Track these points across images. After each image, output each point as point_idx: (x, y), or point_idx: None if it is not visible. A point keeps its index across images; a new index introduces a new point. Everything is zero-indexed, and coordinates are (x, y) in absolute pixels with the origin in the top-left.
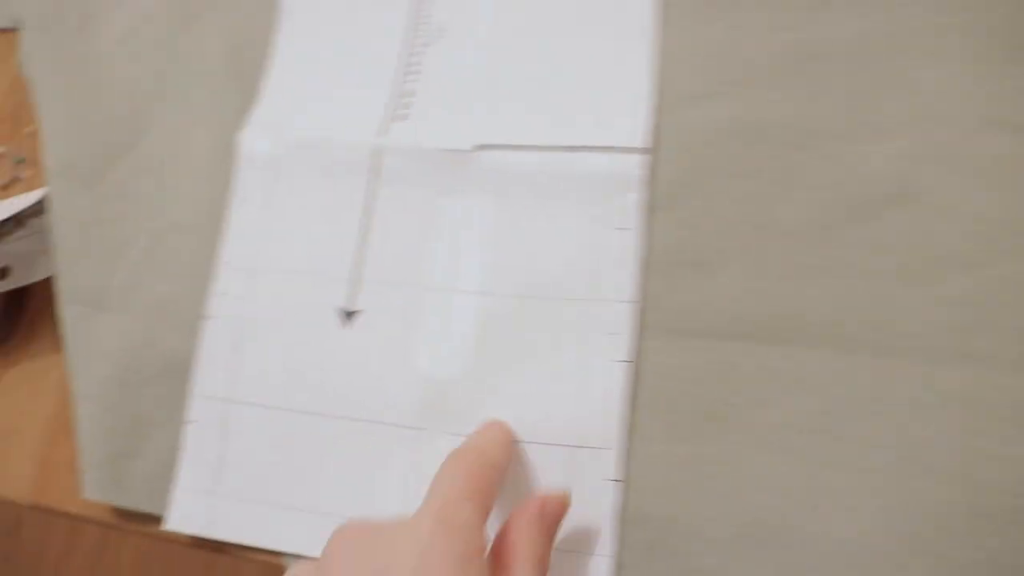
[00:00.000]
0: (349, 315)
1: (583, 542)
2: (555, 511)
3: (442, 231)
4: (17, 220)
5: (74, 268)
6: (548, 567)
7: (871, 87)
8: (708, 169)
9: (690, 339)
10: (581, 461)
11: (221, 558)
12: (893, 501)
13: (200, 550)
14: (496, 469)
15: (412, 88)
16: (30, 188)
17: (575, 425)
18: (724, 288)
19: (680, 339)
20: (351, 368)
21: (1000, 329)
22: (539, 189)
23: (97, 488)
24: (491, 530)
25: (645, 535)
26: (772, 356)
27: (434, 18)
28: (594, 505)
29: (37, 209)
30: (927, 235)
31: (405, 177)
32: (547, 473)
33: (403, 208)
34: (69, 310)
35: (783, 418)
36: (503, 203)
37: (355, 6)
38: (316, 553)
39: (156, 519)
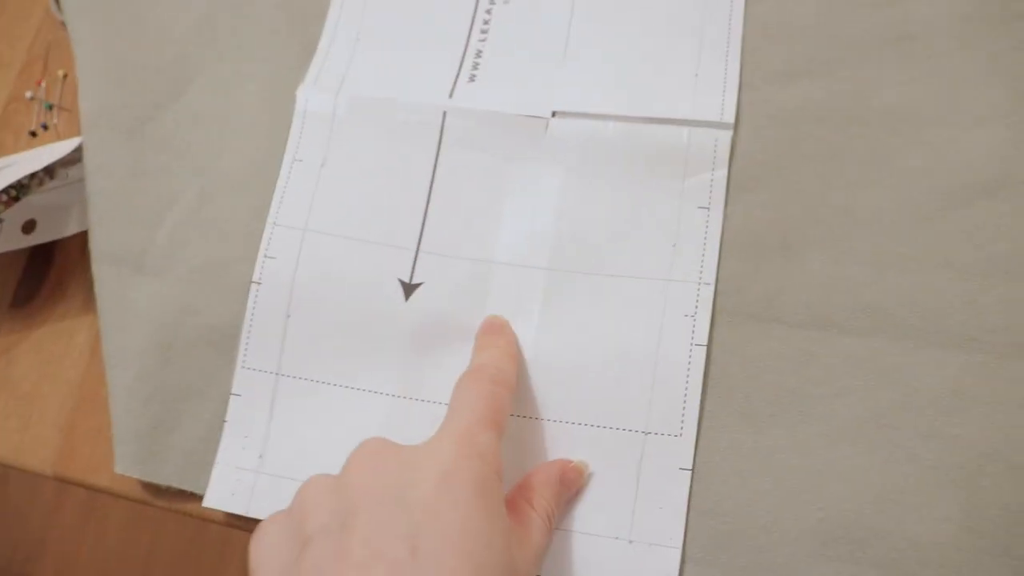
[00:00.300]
0: (410, 287)
1: (652, 532)
2: (573, 479)
3: (512, 201)
4: (47, 170)
5: (110, 225)
6: (554, 527)
7: (971, 71)
8: (794, 150)
9: (769, 325)
10: (652, 448)
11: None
12: (973, 500)
13: (214, 524)
14: (509, 390)
15: (483, 48)
16: (61, 136)
17: (646, 410)
18: (806, 275)
19: (758, 325)
20: (409, 343)
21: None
22: (616, 161)
23: (130, 462)
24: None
25: (715, 527)
26: (854, 346)
27: None
28: (664, 495)
29: (70, 159)
30: (1022, 226)
31: (475, 142)
32: (615, 458)
33: (470, 175)
34: (103, 270)
35: (863, 410)
36: (577, 174)
37: None
38: None
39: (191, 496)
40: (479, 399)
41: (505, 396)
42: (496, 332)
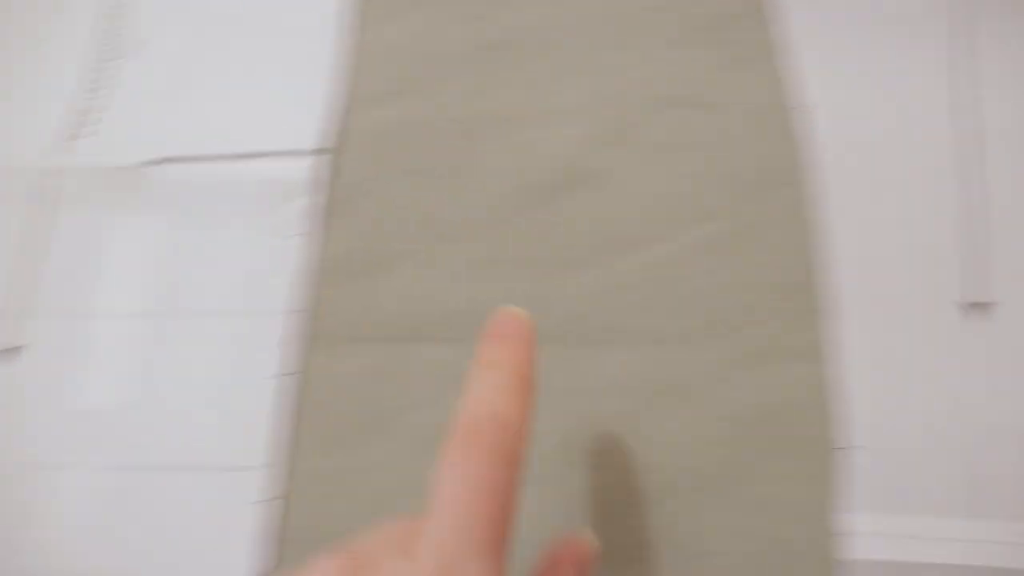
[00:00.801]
0: (10, 352)
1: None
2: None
3: (114, 254)
4: None
5: None
6: None
7: (553, 72)
8: (384, 170)
9: (357, 345)
10: (228, 483)
11: None
12: (551, 491)
13: None
14: (517, 459)
15: (96, 104)
16: None
17: (226, 445)
18: (394, 290)
19: (347, 346)
20: (10, 411)
21: (670, 305)
22: (211, 201)
23: None
24: None
25: (304, 552)
26: (441, 354)
27: (124, 32)
28: (239, 528)
29: None
30: (599, 218)
31: (82, 198)
32: (193, 497)
33: (76, 233)
34: None
35: (439, 417)
36: (178, 219)
37: (31, 18)
38: None
39: None
40: (469, 501)
41: (509, 483)
42: (502, 340)
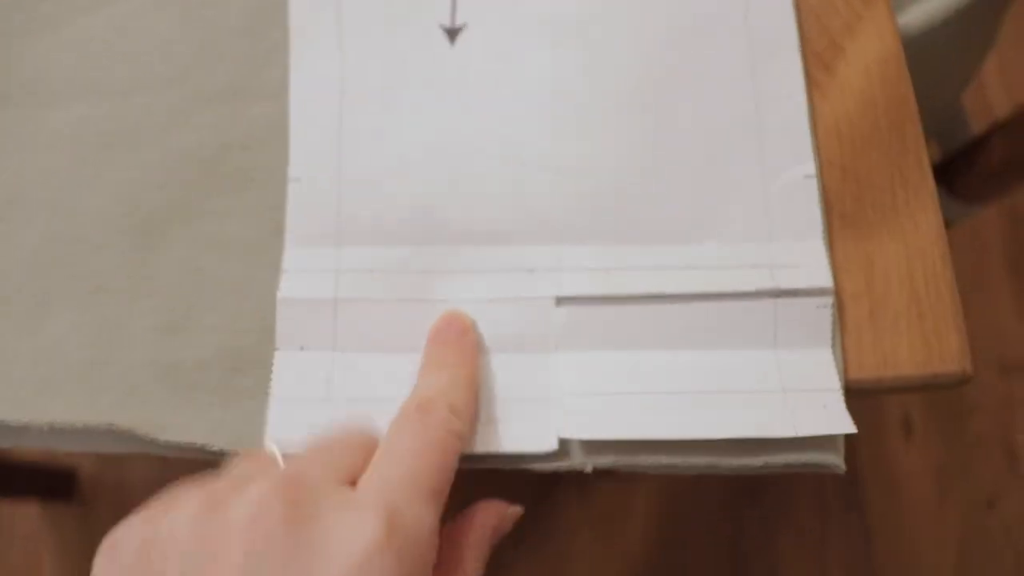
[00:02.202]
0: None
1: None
2: (505, 528)
3: None
4: None
5: None
6: None
7: None
8: None
9: None
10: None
11: None
12: None
13: None
14: (462, 440)
15: None
16: None
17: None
18: None
19: None
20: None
21: (130, 56)
22: None
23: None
24: None
25: None
26: None
27: None
28: None
29: None
30: None
31: None
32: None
33: None
34: None
35: None
36: None
37: None
38: None
39: None
40: (419, 452)
41: (454, 450)
42: (452, 343)
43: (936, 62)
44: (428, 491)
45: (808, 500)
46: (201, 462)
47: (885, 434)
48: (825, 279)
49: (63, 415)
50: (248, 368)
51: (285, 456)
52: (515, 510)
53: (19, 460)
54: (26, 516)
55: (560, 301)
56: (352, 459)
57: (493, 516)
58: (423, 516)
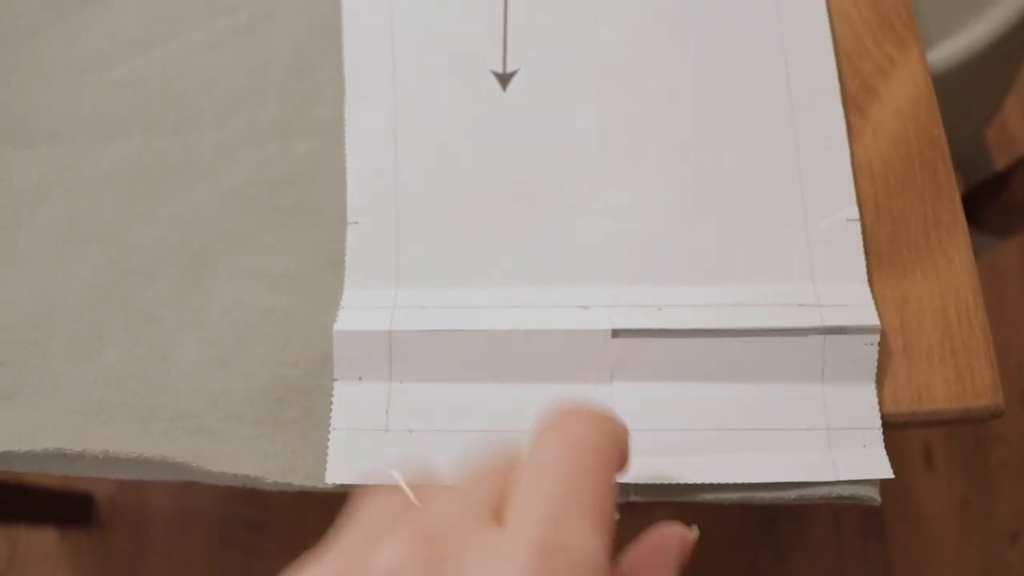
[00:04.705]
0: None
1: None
2: (687, 552)
3: None
4: None
5: None
6: None
7: None
8: None
9: None
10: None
11: None
12: (56, 272)
13: None
14: (621, 450)
15: None
16: None
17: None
18: None
19: None
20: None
21: (185, 93)
22: None
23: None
24: None
25: None
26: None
27: None
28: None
29: None
30: (111, 25)
31: None
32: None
33: None
34: None
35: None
36: None
37: None
38: None
39: None
40: (575, 462)
41: (620, 452)
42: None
43: (960, 98)
44: (589, 508)
45: (825, 530)
46: (221, 494)
47: (906, 465)
48: (872, 318)
49: (116, 444)
50: (294, 399)
51: (413, 488)
52: (695, 533)
53: (36, 485)
54: (43, 541)
55: (616, 333)
56: (493, 485)
57: (675, 542)
58: (587, 545)
